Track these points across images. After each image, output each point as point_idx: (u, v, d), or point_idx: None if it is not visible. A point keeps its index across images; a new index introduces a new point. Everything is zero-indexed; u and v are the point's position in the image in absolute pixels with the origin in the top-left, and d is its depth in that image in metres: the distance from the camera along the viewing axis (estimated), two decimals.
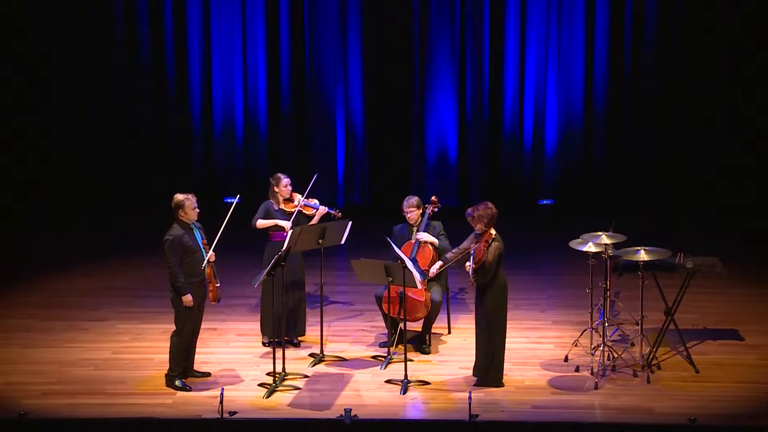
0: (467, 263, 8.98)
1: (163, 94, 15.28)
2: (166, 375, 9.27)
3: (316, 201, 10.21)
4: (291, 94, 15.31)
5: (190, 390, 9.13)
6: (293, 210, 10.06)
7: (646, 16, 14.80)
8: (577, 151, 15.21)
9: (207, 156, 15.47)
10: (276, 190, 10.12)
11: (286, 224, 9.96)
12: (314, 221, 10.04)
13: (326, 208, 10.15)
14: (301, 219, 10.07)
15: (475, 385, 9.17)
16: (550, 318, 11.01)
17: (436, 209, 10.27)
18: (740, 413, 8.72)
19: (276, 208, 10.12)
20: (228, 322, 10.82)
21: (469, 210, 9.11)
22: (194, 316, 9.25)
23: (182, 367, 9.29)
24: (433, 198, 10.32)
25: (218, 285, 9.26)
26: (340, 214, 10.11)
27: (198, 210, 9.24)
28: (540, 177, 15.29)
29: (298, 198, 10.14)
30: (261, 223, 10.05)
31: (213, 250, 9.22)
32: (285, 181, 10.10)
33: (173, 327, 9.15)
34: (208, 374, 9.50)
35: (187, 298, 9.09)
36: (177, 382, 9.20)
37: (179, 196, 9.20)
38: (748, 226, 14.26)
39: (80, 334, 10.60)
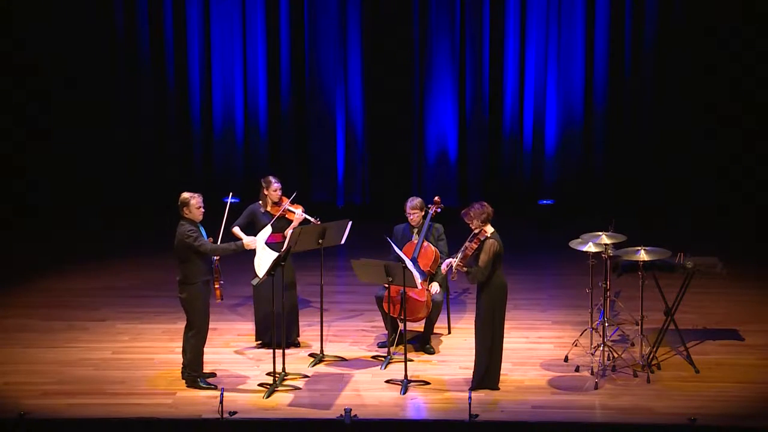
0: (450, 259, 9.04)
1: (163, 94, 15.27)
2: (187, 377, 9.23)
3: (301, 208, 10.15)
4: (291, 94, 15.29)
5: (215, 388, 9.08)
6: (278, 214, 10.04)
7: (646, 16, 14.80)
8: (577, 151, 15.19)
9: (207, 156, 15.47)
10: (266, 192, 10.10)
11: (250, 239, 9.85)
12: (293, 226, 9.99)
13: (304, 215, 10.07)
14: (283, 222, 10.05)
15: (470, 388, 9.14)
16: (550, 318, 11.01)
17: (438, 210, 10.21)
18: (740, 413, 8.72)
19: (263, 211, 10.10)
20: (228, 322, 10.82)
21: (464, 210, 9.09)
22: (208, 315, 9.24)
23: (202, 368, 9.28)
24: (436, 198, 10.27)
25: (222, 283, 9.28)
26: (319, 221, 10.02)
27: (203, 210, 9.19)
28: (540, 177, 15.28)
29: (286, 202, 10.10)
30: (236, 230, 9.98)
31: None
32: (275, 185, 10.05)
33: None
34: (214, 374, 9.49)
35: (248, 240, 9.29)
36: (201, 383, 9.19)
37: (185, 195, 9.17)
38: (747, 225, 14.27)
39: (80, 334, 10.60)
